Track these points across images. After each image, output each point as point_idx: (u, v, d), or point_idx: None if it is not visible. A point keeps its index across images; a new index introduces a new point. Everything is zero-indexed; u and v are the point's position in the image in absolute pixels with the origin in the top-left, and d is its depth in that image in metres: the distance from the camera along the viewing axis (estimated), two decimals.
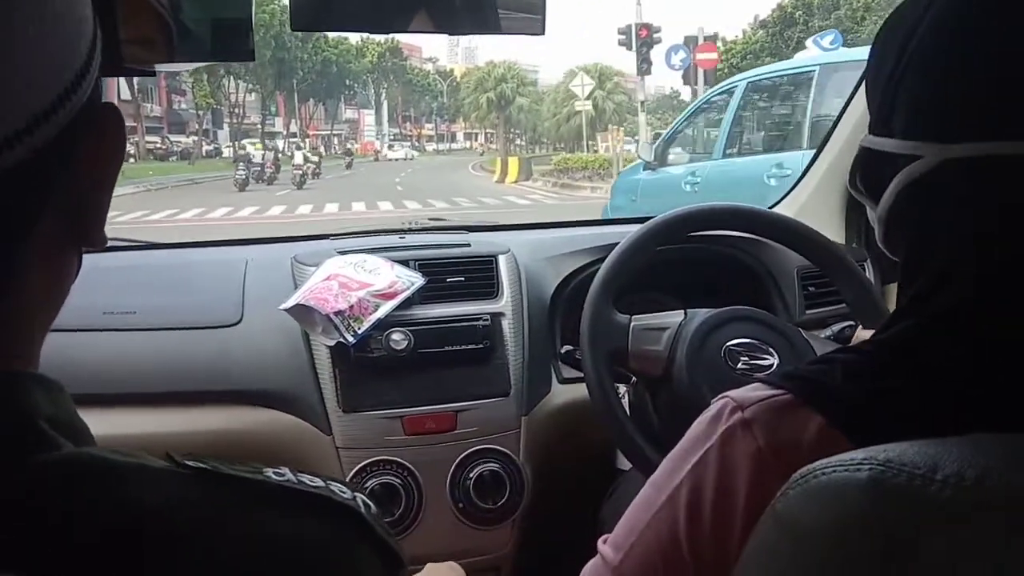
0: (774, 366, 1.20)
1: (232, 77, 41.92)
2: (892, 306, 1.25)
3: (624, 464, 1.42)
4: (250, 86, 44.35)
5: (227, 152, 40.21)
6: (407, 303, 1.42)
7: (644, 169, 6.72)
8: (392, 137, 62.35)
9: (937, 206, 0.63)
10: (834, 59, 6.14)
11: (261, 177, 22.54)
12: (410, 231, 1.72)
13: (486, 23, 0.91)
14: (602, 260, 1.33)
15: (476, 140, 69.25)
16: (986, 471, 0.43)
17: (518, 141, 52.16)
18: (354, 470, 1.32)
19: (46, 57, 0.38)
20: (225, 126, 45.34)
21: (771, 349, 1.21)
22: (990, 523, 0.42)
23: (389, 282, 1.42)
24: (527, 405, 1.42)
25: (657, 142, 6.97)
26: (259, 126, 46.00)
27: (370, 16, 0.88)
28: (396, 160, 43.47)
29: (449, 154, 58.84)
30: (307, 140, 51.53)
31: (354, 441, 1.35)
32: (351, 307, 1.36)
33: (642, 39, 18.99)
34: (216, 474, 0.38)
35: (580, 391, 1.43)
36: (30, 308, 0.43)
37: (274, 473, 0.41)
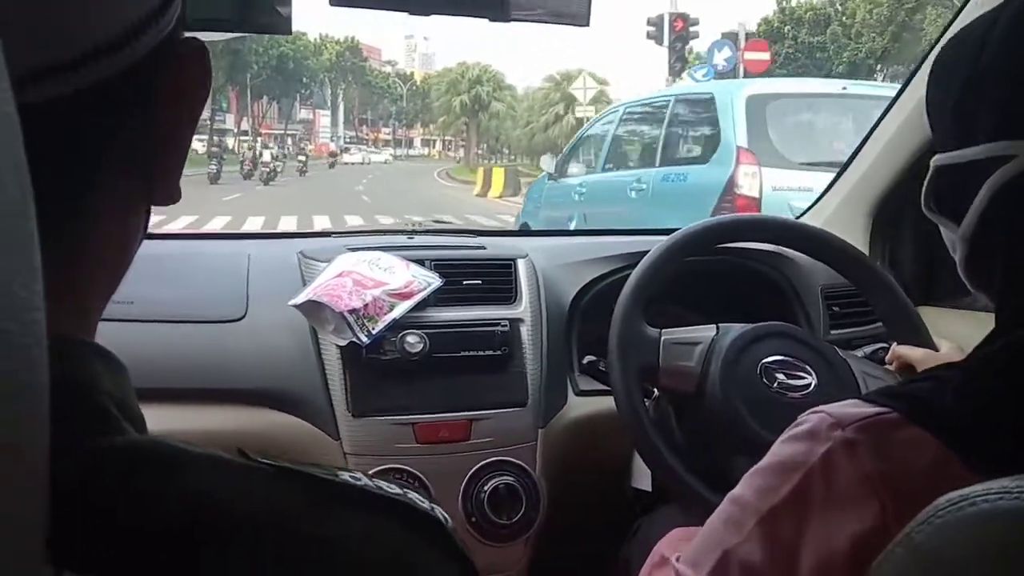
0: (811, 385, 1.18)
1: None
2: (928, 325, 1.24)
3: (640, 483, 1.40)
4: None
5: None
6: (422, 305, 1.37)
7: (548, 180, 7.28)
8: (347, 140, 61.05)
9: None
10: (683, 91, 7.07)
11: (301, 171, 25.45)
12: (418, 232, 1.67)
13: (530, 9, 0.87)
14: (622, 268, 1.32)
15: (433, 147, 68.95)
16: None
17: (475, 150, 50.91)
18: None
19: None
20: None
21: (808, 367, 1.20)
22: None
23: (405, 281, 1.37)
24: (544, 417, 1.38)
25: (559, 157, 7.76)
26: (207, 122, 43.99)
27: None
28: (353, 164, 42.01)
29: (407, 160, 57.33)
30: (259, 139, 49.99)
31: (363, 447, 1.29)
32: (366, 306, 1.31)
33: (677, 33, 15.41)
34: (294, 472, 0.36)
35: (597, 404, 1.41)
36: (94, 267, 0.40)
37: (351, 476, 0.39)
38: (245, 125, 49.85)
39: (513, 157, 53.89)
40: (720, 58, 16.17)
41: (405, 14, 0.87)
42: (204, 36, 0.73)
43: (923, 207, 0.70)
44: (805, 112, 5.44)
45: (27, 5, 0.32)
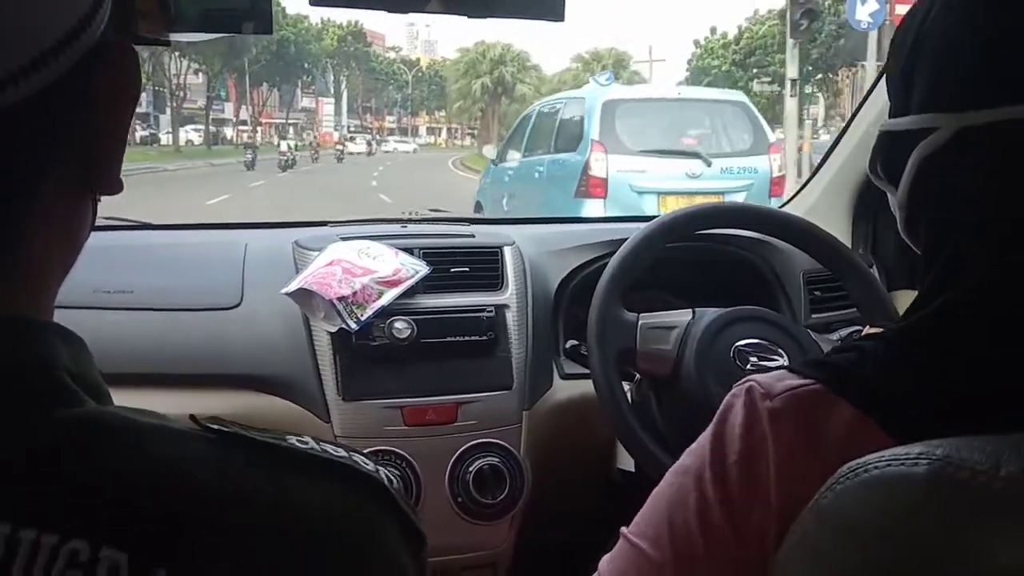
0: (783, 368, 1.24)
1: (176, 54, 36.13)
2: (901, 309, 1.31)
3: (625, 464, 1.47)
4: (196, 65, 40.17)
5: (165, 139, 37.13)
6: (410, 292, 1.44)
7: (492, 165, 8.85)
8: (351, 129, 59.21)
9: (955, 179, 0.63)
10: (573, 94, 8.87)
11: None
12: (411, 221, 1.75)
13: (503, 6, 0.92)
14: (608, 255, 1.37)
15: (439, 135, 67.78)
16: None
17: (495, 136, 46.94)
18: None
19: None
20: (168, 110, 40.81)
21: (780, 350, 1.26)
22: None
23: (393, 269, 1.44)
24: (529, 400, 1.45)
25: (501, 144, 9.58)
26: (204, 111, 43.31)
27: None
28: (358, 154, 38.65)
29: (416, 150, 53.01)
30: (259, 129, 48.26)
31: (353, 430, 1.37)
32: (354, 293, 1.38)
33: None
34: (242, 437, 0.40)
35: (582, 387, 1.47)
36: (47, 256, 0.43)
37: (298, 440, 0.42)
38: (244, 114, 48.47)
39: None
40: (864, 13, 13.43)
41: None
42: (187, 37, 0.79)
43: (868, 170, 0.73)
44: (645, 112, 7.41)
45: None
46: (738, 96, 8.25)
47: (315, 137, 41.47)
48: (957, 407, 0.57)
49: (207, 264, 1.53)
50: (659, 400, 1.35)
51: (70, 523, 0.34)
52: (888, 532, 0.47)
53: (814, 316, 1.55)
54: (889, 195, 0.71)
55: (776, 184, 6.96)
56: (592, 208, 6.41)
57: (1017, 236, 0.60)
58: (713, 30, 41.58)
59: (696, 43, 41.83)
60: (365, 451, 1.29)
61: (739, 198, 6.67)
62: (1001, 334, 0.59)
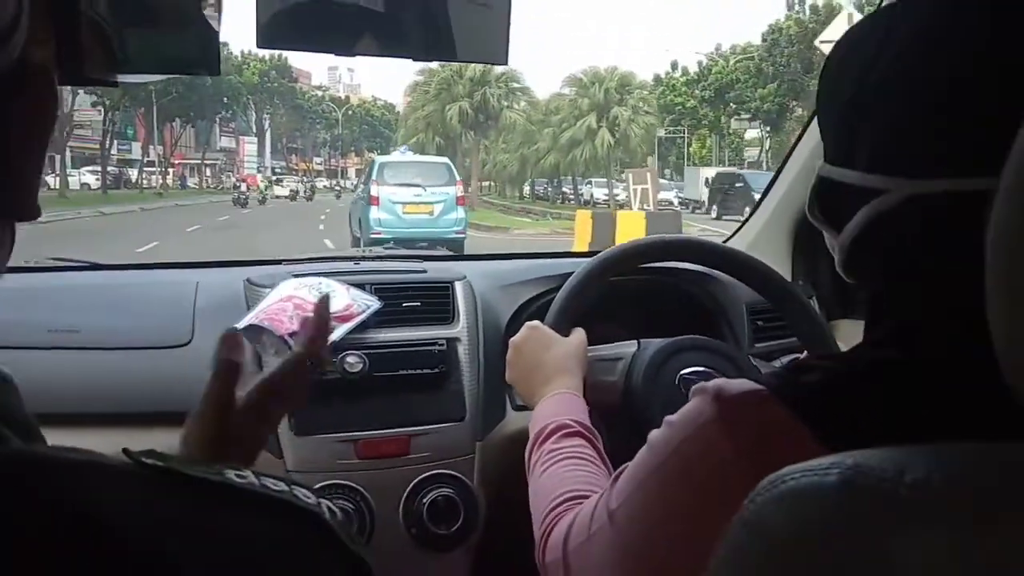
0: None
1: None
2: (839, 338, 1.43)
3: None
4: (94, 98, 35.05)
5: (54, 182, 32.41)
6: (363, 326, 1.52)
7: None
8: (275, 170, 56.74)
9: (906, 242, 0.67)
10: (383, 159, 19.05)
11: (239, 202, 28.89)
12: (365, 258, 1.83)
13: (448, 49, 1.00)
14: (557, 288, 1.46)
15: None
16: (952, 475, 0.46)
17: (477, 179, 40.18)
18: None
19: None
20: (68, 150, 35.94)
21: (723, 377, 1.38)
22: (959, 524, 0.45)
23: (345, 305, 1.52)
24: (482, 431, 1.53)
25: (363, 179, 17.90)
26: (99, 149, 38.23)
27: (333, 37, 0.95)
28: (283, 198, 36.61)
29: (348, 193, 45.15)
30: (171, 170, 44.97)
31: (305, 464, 1.43)
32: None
33: None
34: (177, 473, 0.39)
35: None
36: None
37: (236, 475, 0.42)
38: (154, 154, 44.66)
39: (496, 185, 46.61)
40: None
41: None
42: (132, 78, 0.84)
43: (807, 212, 0.77)
44: (398, 166, 16.94)
45: None
46: (444, 160, 18.84)
47: (238, 182, 39.11)
48: (887, 423, 0.63)
49: (156, 303, 1.59)
50: (608, 430, 1.43)
51: None
52: (803, 541, 0.50)
53: (757, 345, 1.67)
54: (828, 235, 0.75)
55: (460, 200, 15.53)
56: (374, 212, 14.59)
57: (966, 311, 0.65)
58: (674, 65, 40.76)
59: (657, 79, 40.48)
60: (317, 485, 1.39)
61: (439, 207, 15.14)
62: (938, 365, 0.65)
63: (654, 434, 0.80)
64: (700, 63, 38.48)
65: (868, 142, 0.68)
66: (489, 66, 34.67)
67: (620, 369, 1.38)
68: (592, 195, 37.79)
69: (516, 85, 39.48)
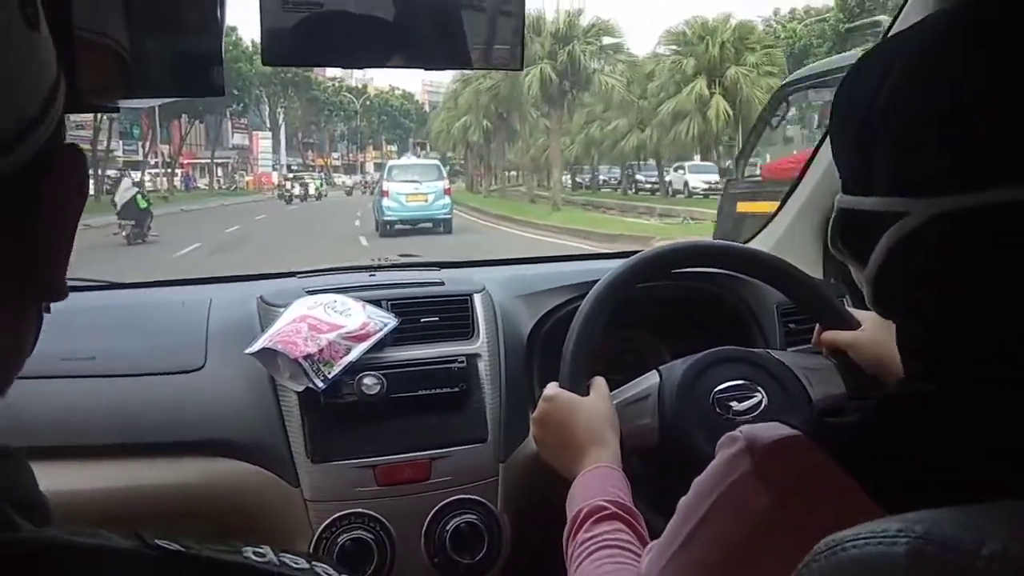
0: (762, 404, 1.29)
1: None
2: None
3: None
4: None
5: None
6: (379, 345, 1.49)
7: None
8: (294, 168, 53.49)
9: (933, 265, 0.67)
10: (389, 162, 27.78)
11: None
12: (380, 268, 1.80)
13: (461, 58, 0.98)
14: (579, 298, 1.40)
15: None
16: None
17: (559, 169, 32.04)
18: (323, 524, 1.37)
19: (2, 96, 0.39)
20: None
21: (756, 385, 1.31)
22: None
23: (361, 323, 1.49)
24: (505, 452, 1.49)
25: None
26: (103, 151, 34.56)
27: (344, 51, 0.94)
28: (298, 197, 34.28)
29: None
30: (180, 171, 43.13)
31: (324, 493, 1.41)
32: (321, 350, 1.42)
33: None
34: (189, 556, 0.39)
35: None
36: None
37: (254, 553, 0.41)
38: (160, 154, 42.46)
39: (515, 175, 41.71)
40: None
41: None
42: (139, 103, 0.82)
43: (830, 245, 0.76)
44: (403, 166, 24.24)
45: None
46: (435, 162, 24.86)
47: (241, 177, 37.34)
48: (937, 473, 0.61)
49: (171, 325, 1.58)
50: (661, 469, 1.34)
51: None
52: None
53: (790, 349, 1.62)
54: (854, 270, 0.75)
55: (447, 191, 21.31)
56: (386, 202, 20.36)
57: (1011, 323, 0.64)
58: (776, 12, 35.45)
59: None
60: (337, 514, 1.36)
61: (431, 196, 20.78)
62: (992, 410, 0.63)
63: (683, 501, 0.78)
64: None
65: (883, 166, 0.68)
66: (575, 15, 29.26)
67: (651, 407, 1.31)
68: (687, 183, 29.47)
69: (609, 40, 29.74)
